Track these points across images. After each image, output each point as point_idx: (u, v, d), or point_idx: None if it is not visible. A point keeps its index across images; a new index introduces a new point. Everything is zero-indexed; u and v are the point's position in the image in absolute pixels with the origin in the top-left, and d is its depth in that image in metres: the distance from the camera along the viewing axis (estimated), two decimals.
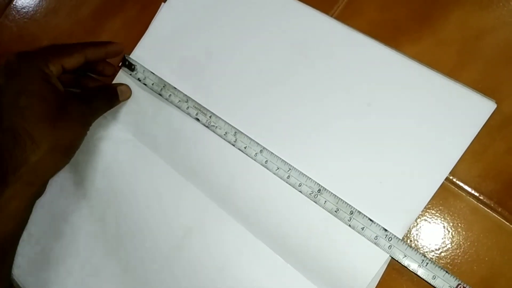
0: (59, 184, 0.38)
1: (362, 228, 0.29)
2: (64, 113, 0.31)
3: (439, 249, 0.29)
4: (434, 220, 0.29)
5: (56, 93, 0.31)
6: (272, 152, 0.32)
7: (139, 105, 0.37)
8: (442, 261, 0.29)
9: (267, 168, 0.32)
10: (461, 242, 0.29)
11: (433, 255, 0.29)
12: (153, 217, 0.35)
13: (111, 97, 0.36)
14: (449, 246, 0.29)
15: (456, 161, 0.28)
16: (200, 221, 0.34)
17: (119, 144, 0.37)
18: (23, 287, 0.38)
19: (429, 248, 0.29)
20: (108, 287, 0.35)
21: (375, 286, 0.29)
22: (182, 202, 0.34)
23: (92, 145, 0.38)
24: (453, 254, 0.29)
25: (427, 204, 0.29)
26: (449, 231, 0.29)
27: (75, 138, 0.33)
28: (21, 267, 0.38)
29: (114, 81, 0.38)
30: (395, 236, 0.28)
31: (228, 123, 0.34)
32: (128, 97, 0.37)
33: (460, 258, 0.28)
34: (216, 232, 0.33)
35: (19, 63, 0.31)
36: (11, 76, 0.31)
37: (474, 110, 0.28)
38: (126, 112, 0.38)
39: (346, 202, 0.30)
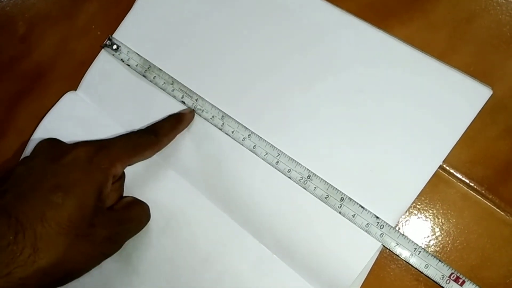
0: None
1: (353, 215, 0.28)
2: (89, 233, 0.25)
3: (428, 236, 0.28)
4: (424, 207, 0.29)
5: (98, 205, 0.26)
6: (260, 137, 0.31)
7: (121, 88, 0.36)
8: (432, 249, 0.28)
9: (255, 154, 0.31)
10: (451, 230, 0.28)
11: (422, 243, 0.28)
12: None
13: (146, 217, 0.31)
14: (438, 233, 0.28)
15: (450, 149, 0.28)
16: (182, 210, 0.32)
17: (100, 129, 0.35)
18: None
19: (418, 236, 0.28)
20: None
21: (366, 275, 0.29)
22: (163, 190, 0.33)
23: (71, 132, 0.36)
24: (442, 242, 0.28)
25: None
26: (439, 219, 0.29)
27: (82, 268, 0.26)
28: None
29: (94, 63, 0.37)
30: (387, 223, 0.28)
31: (215, 107, 0.33)
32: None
33: (450, 246, 0.28)
34: (198, 221, 0.32)
35: (86, 159, 0.26)
36: (66, 164, 0.26)
37: (469, 96, 0.28)
38: (107, 95, 0.36)
39: (336, 189, 0.29)
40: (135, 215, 0.30)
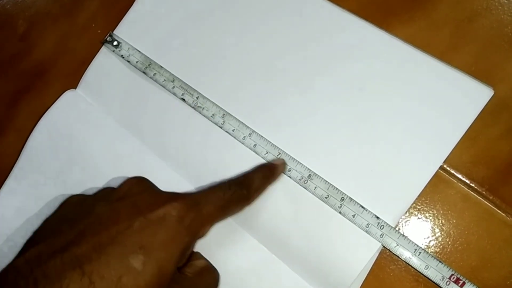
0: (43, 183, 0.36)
1: (353, 216, 0.28)
2: None
3: (428, 237, 0.28)
4: (424, 208, 0.29)
5: (175, 271, 0.23)
6: (261, 136, 0.31)
7: (121, 85, 0.36)
8: (431, 250, 0.28)
9: (256, 152, 0.31)
10: (451, 231, 0.28)
11: (422, 244, 0.28)
12: None
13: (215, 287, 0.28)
14: (438, 234, 0.28)
15: (451, 149, 0.28)
16: None
17: (100, 128, 0.35)
18: None
19: (418, 237, 0.28)
20: None
21: (365, 276, 0.28)
22: (163, 189, 0.32)
23: (70, 131, 0.36)
24: (443, 243, 0.28)
25: None
26: (439, 219, 0.28)
27: None
28: None
29: (95, 60, 0.37)
30: (387, 224, 0.27)
31: (216, 105, 0.32)
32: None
33: (450, 247, 0.28)
34: None
35: (177, 219, 0.23)
36: (155, 221, 0.23)
37: (471, 96, 0.28)
38: (107, 93, 0.36)
39: (337, 188, 0.29)
40: (206, 285, 0.27)
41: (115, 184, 0.29)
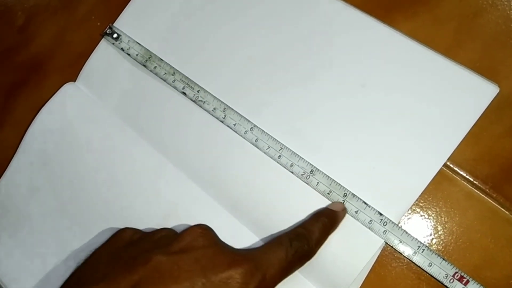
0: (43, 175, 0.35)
1: (356, 212, 0.28)
2: None
3: (430, 235, 0.28)
4: (427, 205, 0.28)
5: None
6: (263, 130, 0.31)
7: (120, 78, 0.35)
8: (434, 248, 0.28)
9: (258, 147, 0.31)
10: (454, 229, 0.28)
11: (425, 242, 0.28)
12: (131, 201, 0.33)
13: None
14: (441, 232, 0.28)
15: (455, 147, 0.27)
16: (181, 205, 0.32)
17: (98, 122, 0.35)
18: None
19: (421, 234, 0.28)
20: None
21: (367, 273, 0.28)
22: (162, 185, 0.32)
23: (69, 124, 0.35)
24: (445, 240, 0.28)
25: None
26: (442, 217, 0.28)
27: None
28: None
29: (94, 53, 0.36)
30: (390, 220, 0.27)
31: (217, 98, 0.32)
32: None
33: (452, 245, 0.28)
34: (197, 216, 0.31)
35: (241, 285, 0.22)
36: (217, 285, 0.22)
37: (475, 94, 0.28)
38: (107, 86, 0.36)
39: (339, 184, 0.28)
40: None
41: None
